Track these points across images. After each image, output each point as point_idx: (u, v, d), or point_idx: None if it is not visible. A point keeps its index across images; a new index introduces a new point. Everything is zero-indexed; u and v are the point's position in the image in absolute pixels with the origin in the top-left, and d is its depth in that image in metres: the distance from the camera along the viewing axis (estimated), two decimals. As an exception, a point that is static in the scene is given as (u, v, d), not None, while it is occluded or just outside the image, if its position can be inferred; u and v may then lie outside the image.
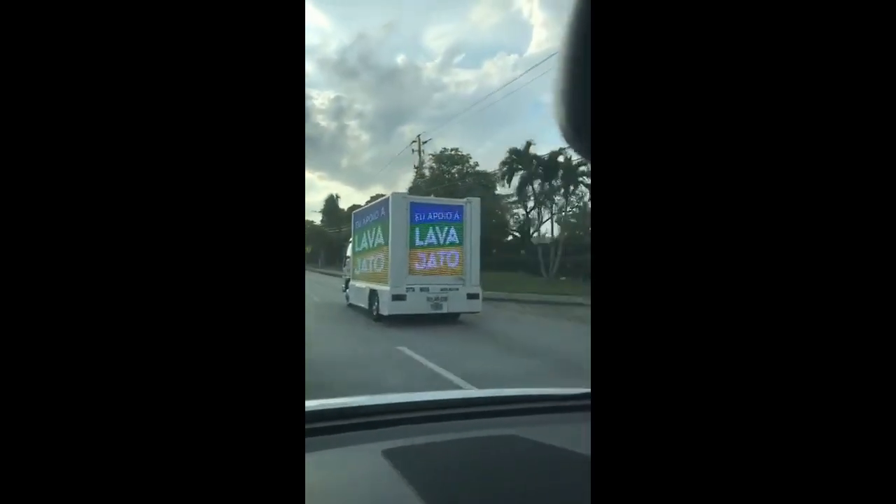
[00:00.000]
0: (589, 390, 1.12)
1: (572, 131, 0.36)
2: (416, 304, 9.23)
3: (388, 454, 0.88)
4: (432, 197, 12.45)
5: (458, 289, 9.52)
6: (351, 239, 12.68)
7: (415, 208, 9.46)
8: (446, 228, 9.57)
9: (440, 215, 9.55)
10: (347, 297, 12.52)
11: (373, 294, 10.10)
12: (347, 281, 12.66)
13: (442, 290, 9.41)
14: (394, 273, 9.20)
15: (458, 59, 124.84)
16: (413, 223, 9.36)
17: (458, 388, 4.57)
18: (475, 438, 0.99)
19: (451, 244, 9.59)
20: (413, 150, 27.17)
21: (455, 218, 9.62)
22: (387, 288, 9.29)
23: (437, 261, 9.51)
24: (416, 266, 9.36)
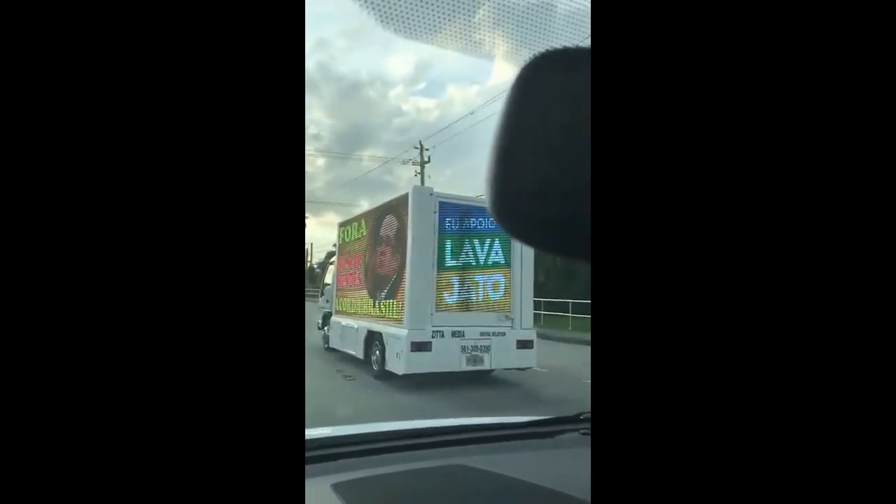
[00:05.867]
0: (535, 418, 1.28)
1: (498, 214, 0.36)
2: (445, 357, 5.98)
3: (337, 488, 0.89)
4: (469, 196, 7.30)
5: (504, 333, 6.35)
6: (333, 260, 9.40)
7: (445, 210, 6.26)
8: (488, 242, 6.41)
9: (481, 221, 6.36)
10: (326, 340, 9.20)
11: (372, 338, 6.80)
12: (327, 316, 9.34)
13: (482, 334, 6.22)
14: (413, 308, 5.96)
15: (419, 86, 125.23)
16: (442, 233, 6.18)
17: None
18: (424, 469, 1.02)
19: (496, 265, 6.44)
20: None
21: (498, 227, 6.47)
22: (401, 331, 6.02)
23: (476, 290, 6.33)
24: (446, 298, 6.16)
